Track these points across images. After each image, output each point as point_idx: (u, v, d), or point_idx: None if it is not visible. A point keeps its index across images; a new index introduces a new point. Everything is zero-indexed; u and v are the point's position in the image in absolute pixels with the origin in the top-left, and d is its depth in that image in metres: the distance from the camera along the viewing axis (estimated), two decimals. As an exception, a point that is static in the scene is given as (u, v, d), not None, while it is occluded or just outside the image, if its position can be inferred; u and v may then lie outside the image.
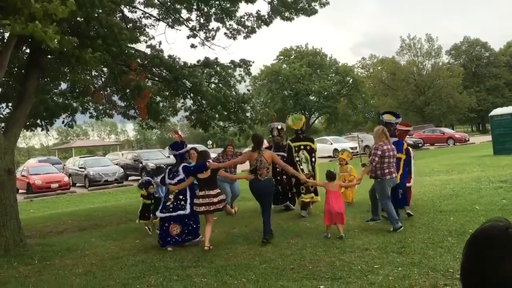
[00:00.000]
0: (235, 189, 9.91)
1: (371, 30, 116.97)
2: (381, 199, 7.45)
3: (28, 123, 9.97)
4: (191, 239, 7.43)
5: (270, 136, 9.96)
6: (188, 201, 7.31)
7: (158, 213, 7.60)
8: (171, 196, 7.37)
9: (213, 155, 10.41)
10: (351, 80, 58.29)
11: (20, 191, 22.81)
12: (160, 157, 26.44)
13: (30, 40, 7.16)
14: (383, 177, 7.29)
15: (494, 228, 1.16)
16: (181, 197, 7.33)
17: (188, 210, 7.28)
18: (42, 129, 10.70)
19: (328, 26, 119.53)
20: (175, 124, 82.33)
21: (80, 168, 24.86)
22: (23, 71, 8.96)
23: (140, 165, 25.23)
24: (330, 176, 7.53)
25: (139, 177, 25.04)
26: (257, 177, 7.14)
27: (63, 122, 10.89)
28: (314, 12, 10.41)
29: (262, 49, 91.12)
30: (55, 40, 5.50)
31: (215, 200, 7.15)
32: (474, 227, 1.24)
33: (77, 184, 24.90)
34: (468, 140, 36.23)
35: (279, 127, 9.72)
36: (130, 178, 25.87)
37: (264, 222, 7.15)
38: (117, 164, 26.05)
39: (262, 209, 7.33)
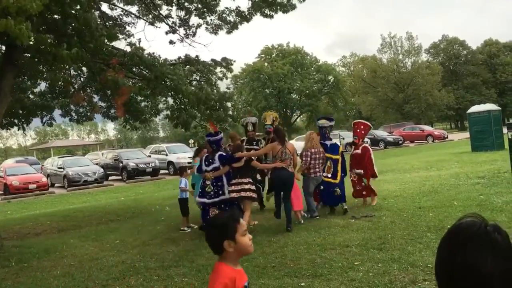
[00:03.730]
0: None
1: (344, 30, 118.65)
2: (304, 193, 8.50)
3: (4, 122, 9.75)
4: None
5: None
6: (226, 186, 7.73)
7: (198, 199, 7.94)
8: (208, 182, 7.72)
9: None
10: (332, 78, 58.69)
11: (-3, 192, 22.40)
12: (140, 156, 26.20)
13: (5, 37, 6.99)
14: (308, 175, 8.41)
15: (473, 226, 1.17)
16: (219, 183, 7.73)
17: (227, 195, 7.69)
18: (19, 129, 10.47)
19: (302, 25, 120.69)
20: (156, 123, 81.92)
21: (59, 168, 24.45)
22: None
23: (121, 164, 24.95)
24: None
25: (119, 177, 24.85)
26: (283, 167, 7.66)
27: (42, 121, 10.66)
28: (293, 7, 10.39)
29: (243, 47, 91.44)
30: (31, 37, 5.38)
31: (246, 187, 7.63)
32: (452, 223, 1.24)
33: (56, 185, 24.50)
34: (447, 137, 36.90)
35: (254, 121, 9.98)
36: (110, 178, 25.59)
37: (285, 210, 7.72)
38: (97, 164, 25.71)
39: (284, 198, 7.83)
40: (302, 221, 7.94)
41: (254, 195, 7.81)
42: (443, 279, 1.19)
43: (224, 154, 7.98)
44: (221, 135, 8.34)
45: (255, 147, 9.39)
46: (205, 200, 7.77)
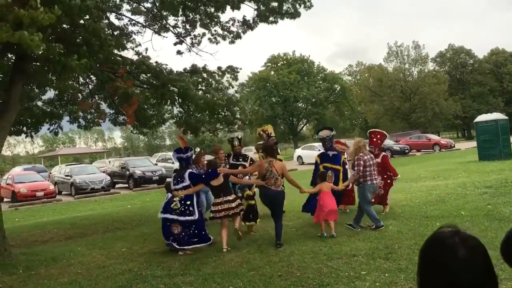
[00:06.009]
0: (210, 199, 9.79)
1: (344, 41, 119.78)
2: (362, 203, 8.07)
3: (13, 130, 9.83)
4: (197, 242, 7.37)
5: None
6: (195, 206, 7.44)
7: (161, 215, 7.54)
8: (176, 199, 7.39)
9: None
10: (338, 87, 58.71)
11: (5, 199, 22.52)
12: (147, 164, 26.29)
13: (15, 46, 7.08)
14: (364, 183, 8.02)
15: (442, 235, 1.32)
16: (188, 202, 7.40)
17: (196, 216, 7.38)
18: (27, 136, 10.56)
19: (303, 35, 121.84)
20: (163, 132, 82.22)
21: (66, 176, 24.59)
22: (8, 77, 8.85)
23: (127, 172, 25.03)
24: (323, 177, 8.15)
25: (126, 185, 24.93)
26: (265, 186, 7.28)
27: (49, 129, 10.76)
28: (298, 15, 10.47)
29: (249, 56, 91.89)
30: (41, 47, 5.46)
31: (233, 205, 7.45)
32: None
33: (63, 192, 24.64)
34: (454, 146, 36.72)
35: (239, 137, 10.07)
36: (117, 185, 25.67)
37: (276, 227, 7.36)
38: (104, 172, 25.84)
39: (274, 216, 7.47)
40: (335, 234, 7.48)
41: (242, 207, 7.73)
42: (420, 282, 1.34)
43: (195, 172, 7.76)
44: (191, 152, 8.03)
45: (243, 162, 9.20)
46: (168, 215, 7.40)
